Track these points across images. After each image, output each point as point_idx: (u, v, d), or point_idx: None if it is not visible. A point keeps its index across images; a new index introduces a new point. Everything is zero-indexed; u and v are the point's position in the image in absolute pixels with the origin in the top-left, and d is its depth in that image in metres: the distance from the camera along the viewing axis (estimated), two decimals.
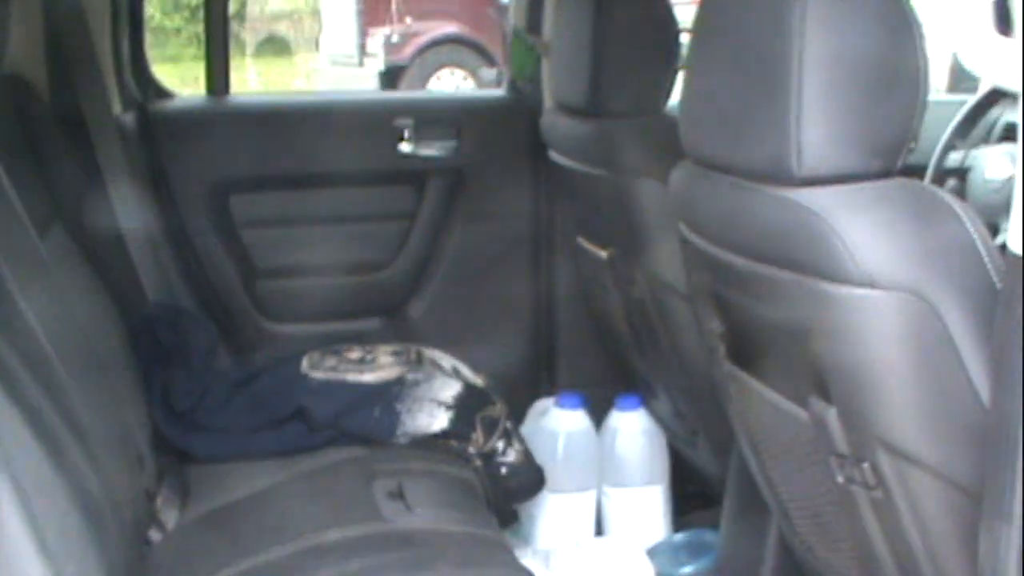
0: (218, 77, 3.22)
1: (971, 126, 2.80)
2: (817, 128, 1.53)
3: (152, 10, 13.60)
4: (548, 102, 3.08)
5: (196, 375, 2.73)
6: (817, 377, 1.62)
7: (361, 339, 2.93)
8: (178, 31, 14.03)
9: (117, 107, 3.05)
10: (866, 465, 1.59)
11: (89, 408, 2.06)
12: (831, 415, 1.61)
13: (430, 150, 3.21)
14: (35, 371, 1.88)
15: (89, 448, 1.97)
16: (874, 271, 1.45)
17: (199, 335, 2.84)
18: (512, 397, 2.86)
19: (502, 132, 3.26)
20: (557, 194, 3.16)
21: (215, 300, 3.14)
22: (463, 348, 2.90)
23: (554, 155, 2.94)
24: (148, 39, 3.29)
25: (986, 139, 2.78)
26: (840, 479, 1.67)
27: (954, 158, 2.77)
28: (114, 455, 2.12)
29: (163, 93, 3.23)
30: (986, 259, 1.45)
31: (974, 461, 1.40)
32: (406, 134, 3.18)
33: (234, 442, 2.63)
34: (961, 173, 2.73)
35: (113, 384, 2.32)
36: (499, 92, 3.48)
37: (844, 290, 1.48)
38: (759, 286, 1.68)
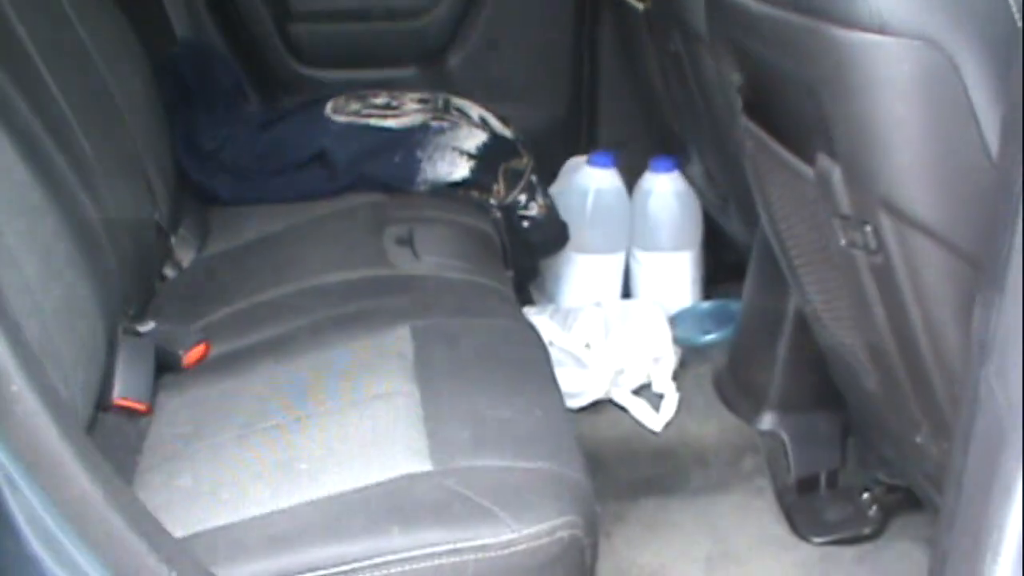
0: None
1: None
2: None
3: None
4: None
5: (220, 116, 2.72)
6: (825, 133, 1.53)
7: (393, 86, 2.86)
8: None
9: None
10: (868, 228, 1.51)
11: (91, 139, 2.04)
12: (836, 173, 1.52)
13: None
14: (32, 99, 1.87)
15: (86, 177, 1.95)
16: (887, 14, 1.34)
17: (225, 75, 2.81)
18: (548, 155, 2.81)
19: None
20: None
21: (247, 40, 3.07)
22: (499, 102, 2.84)
23: None
24: None
25: None
26: (843, 242, 1.59)
27: None
28: (117, 187, 2.09)
29: None
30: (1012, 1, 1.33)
31: (978, 226, 1.32)
32: None
33: (256, 185, 2.62)
34: None
35: (126, 119, 2.28)
36: None
37: (855, 35, 1.38)
38: (773, 32, 1.58)
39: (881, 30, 1.35)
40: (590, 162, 2.87)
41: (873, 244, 1.52)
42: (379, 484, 1.47)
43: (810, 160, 1.61)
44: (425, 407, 1.63)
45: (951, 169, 1.39)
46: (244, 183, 2.62)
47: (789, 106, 1.66)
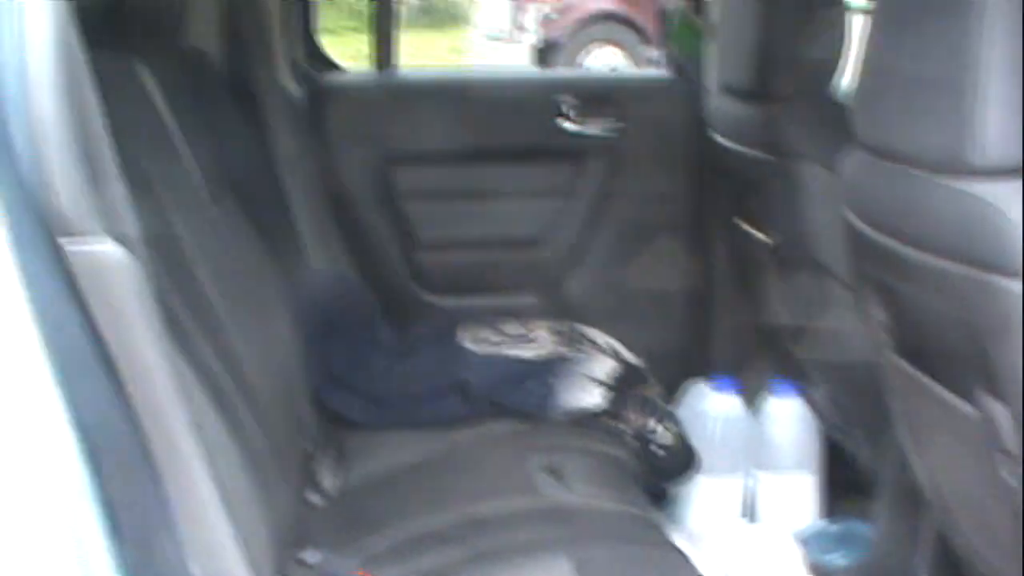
0: (384, 52, 3.27)
1: None
2: (998, 117, 1.49)
3: None
4: (711, 83, 3.05)
5: (356, 343, 2.79)
6: (986, 372, 1.58)
7: (518, 314, 2.95)
8: (333, 2, 14.19)
9: (287, 79, 3.11)
10: None
11: (257, 371, 2.12)
12: (999, 411, 1.58)
13: (591, 128, 3.22)
14: (210, 335, 1.94)
15: (258, 410, 2.03)
16: None
17: (360, 303, 2.90)
18: (667, 378, 2.87)
19: (663, 112, 3.26)
20: (716, 175, 3.13)
21: (375, 270, 3.19)
22: (619, 327, 2.90)
23: (715, 136, 2.91)
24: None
25: None
26: (1005, 475, 1.63)
27: None
28: (279, 417, 2.18)
29: (331, 66, 3.28)
30: None
31: None
32: (567, 111, 3.20)
33: (393, 410, 2.67)
34: None
35: (278, 348, 2.38)
36: (660, 72, 3.48)
37: (1018, 285, 1.45)
38: (930, 278, 1.65)
39: None
40: (713, 386, 2.94)
41: None
42: None
43: (967, 395, 1.65)
44: None
45: None
46: (380, 408, 2.68)
47: (945, 345, 1.72)
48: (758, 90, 2.62)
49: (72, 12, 1.09)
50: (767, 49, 2.59)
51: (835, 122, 1.95)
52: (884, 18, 1.76)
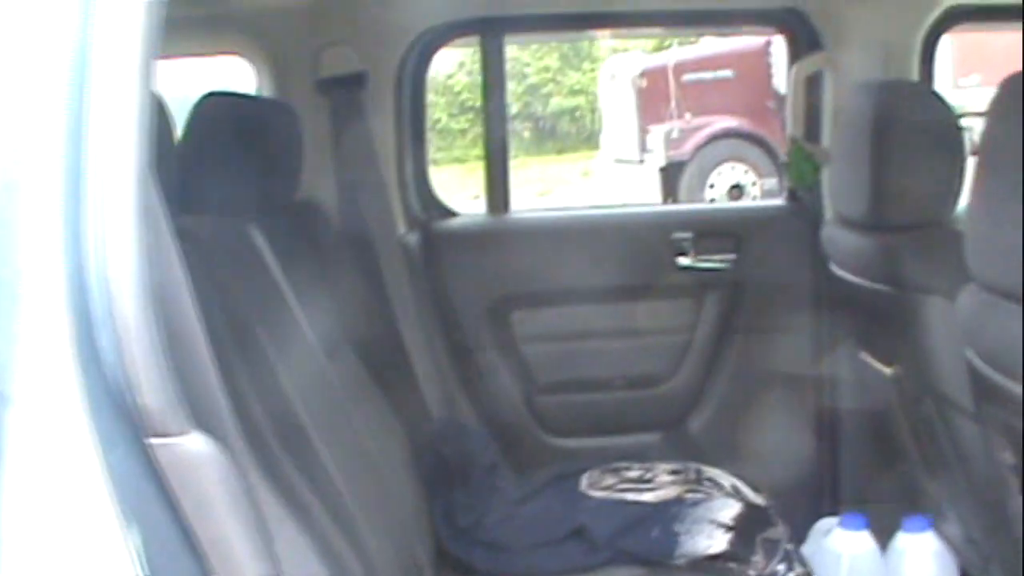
0: (498, 195, 3.29)
1: None
2: None
3: (439, 113, 14.13)
4: (828, 213, 3.02)
5: (478, 492, 2.79)
6: None
7: (640, 454, 2.93)
8: (463, 132, 14.50)
9: (402, 227, 3.15)
10: None
11: (370, 526, 2.11)
12: None
13: (709, 262, 3.20)
14: (324, 499, 1.96)
15: (368, 563, 2.02)
16: None
17: (481, 451, 2.90)
18: (793, 515, 2.79)
19: (782, 243, 3.22)
20: (838, 307, 3.07)
21: (496, 415, 3.19)
22: (742, 464, 2.87)
23: (835, 268, 2.87)
24: (434, 143, 3.40)
25: None
26: None
27: None
28: (390, 565, 2.17)
29: (445, 211, 3.32)
30: None
31: None
32: (685, 247, 3.18)
33: (515, 558, 2.65)
34: None
35: (394, 500, 2.37)
36: (778, 202, 3.45)
37: None
38: None
39: None
40: (842, 524, 2.84)
41: None
42: None
43: None
44: None
45: None
46: (501, 555, 2.66)
47: None
48: (875, 221, 2.56)
49: (157, 187, 1.10)
50: (883, 178, 2.51)
51: (957, 252, 1.90)
52: (991, 157, 1.72)
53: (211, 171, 2.31)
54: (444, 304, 3.17)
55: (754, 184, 10.95)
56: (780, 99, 10.05)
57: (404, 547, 2.33)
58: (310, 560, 1.77)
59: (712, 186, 11.05)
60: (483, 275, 3.20)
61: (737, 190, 10.94)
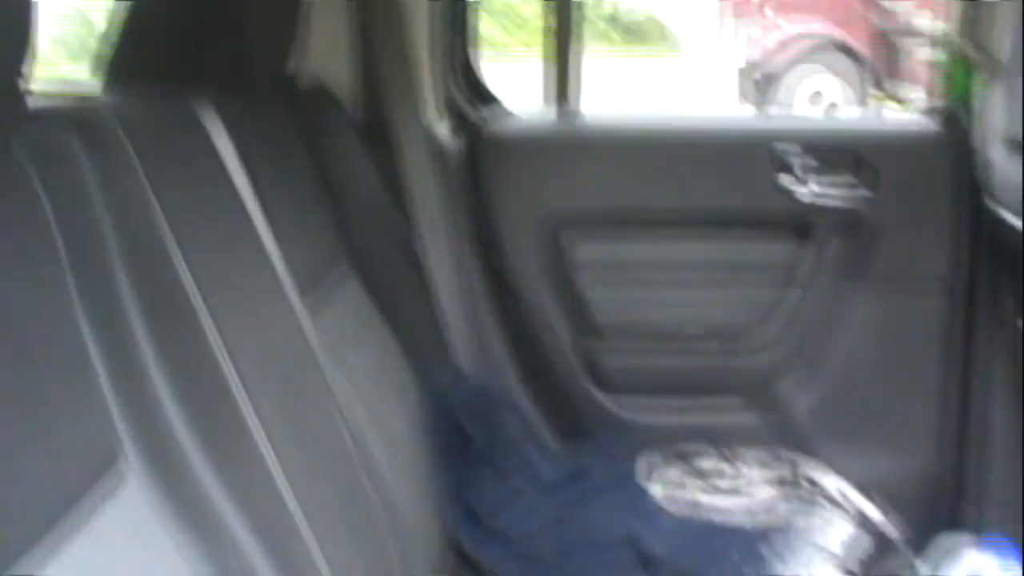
0: (564, 94, 2.71)
1: None
2: None
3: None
4: (989, 137, 2.47)
5: (503, 473, 2.25)
6: None
7: (719, 433, 2.42)
8: (523, 22, 14.07)
9: (436, 122, 2.64)
10: None
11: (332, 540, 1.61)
12: None
13: (824, 194, 2.60)
14: (251, 509, 1.43)
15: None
16: None
17: (511, 422, 2.35)
18: (914, 524, 2.25)
19: (923, 174, 2.60)
20: (997, 260, 2.50)
21: (540, 363, 2.66)
22: (852, 453, 2.46)
23: (996, 208, 2.33)
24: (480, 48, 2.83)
25: None
26: None
27: None
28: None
29: (496, 106, 2.77)
30: None
31: None
32: (794, 168, 2.58)
33: (544, 566, 2.13)
34: None
35: (373, 503, 1.87)
36: (920, 121, 2.75)
37: None
38: None
39: None
40: (982, 546, 2.25)
41: None
42: None
43: None
44: None
45: None
46: (527, 562, 2.14)
47: None
48: None
49: None
50: None
51: None
52: None
53: (161, 26, 1.77)
54: (484, 221, 2.62)
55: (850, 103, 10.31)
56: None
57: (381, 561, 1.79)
58: None
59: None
60: (535, 188, 2.63)
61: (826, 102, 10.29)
